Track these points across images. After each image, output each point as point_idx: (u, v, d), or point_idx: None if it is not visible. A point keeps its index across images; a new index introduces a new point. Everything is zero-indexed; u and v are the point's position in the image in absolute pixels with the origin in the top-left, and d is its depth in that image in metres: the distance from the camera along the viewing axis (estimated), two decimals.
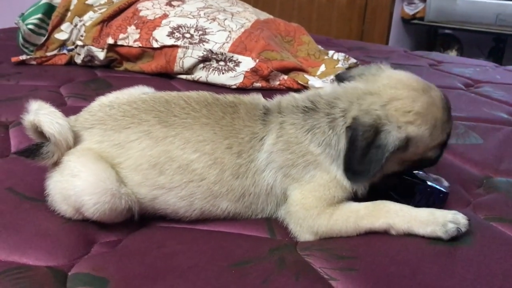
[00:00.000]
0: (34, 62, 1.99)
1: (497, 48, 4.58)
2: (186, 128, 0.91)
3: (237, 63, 1.78)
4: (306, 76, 1.78)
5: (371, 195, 0.95)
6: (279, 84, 1.78)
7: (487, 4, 4.31)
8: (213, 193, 0.90)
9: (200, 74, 1.82)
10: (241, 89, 1.74)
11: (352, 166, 0.89)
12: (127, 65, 1.95)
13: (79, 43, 1.96)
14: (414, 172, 1.03)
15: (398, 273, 0.79)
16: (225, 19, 1.92)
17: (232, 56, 1.79)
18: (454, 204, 1.02)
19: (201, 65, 1.82)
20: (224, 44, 1.81)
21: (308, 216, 0.90)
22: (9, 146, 1.22)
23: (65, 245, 0.82)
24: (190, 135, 0.90)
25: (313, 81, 1.75)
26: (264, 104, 0.99)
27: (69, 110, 1.04)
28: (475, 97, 1.90)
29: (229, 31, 1.86)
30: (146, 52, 1.88)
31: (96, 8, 2.05)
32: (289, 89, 1.71)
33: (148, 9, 1.98)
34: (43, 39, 2.02)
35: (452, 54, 4.66)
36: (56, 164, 0.89)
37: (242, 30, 1.88)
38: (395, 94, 0.91)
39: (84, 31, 1.97)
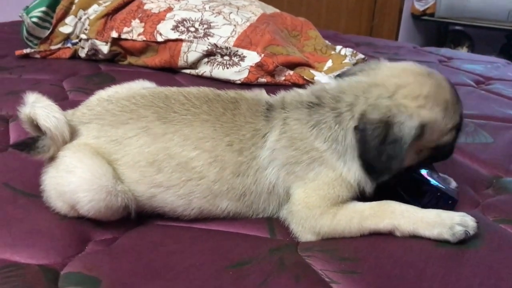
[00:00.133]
0: (38, 56, 1.97)
1: (509, 45, 4.51)
2: (186, 125, 0.88)
3: (242, 58, 1.75)
4: (312, 71, 1.75)
5: (379, 194, 0.92)
6: (285, 80, 1.75)
7: (499, 0, 4.24)
8: (213, 192, 0.88)
9: (205, 69, 1.80)
10: (246, 85, 1.71)
11: (371, 166, 0.86)
12: (131, 59, 1.93)
13: (83, 36, 1.94)
14: (428, 172, 1.00)
15: (402, 276, 0.76)
16: (231, 12, 1.89)
17: (237, 51, 1.76)
18: (462, 205, 0.98)
19: (206, 59, 1.79)
20: (229, 38, 1.78)
21: (311, 215, 0.87)
22: (8, 140, 1.20)
23: (59, 243, 0.80)
24: (190, 132, 0.88)
25: (319, 76, 1.71)
26: (267, 100, 0.96)
27: (71, 104, 1.02)
28: (485, 94, 1.86)
29: (234, 25, 1.83)
30: (150, 46, 1.86)
31: (100, 1, 2.03)
32: (294, 85, 1.68)
33: (152, 2, 1.95)
34: (47, 32, 2.00)
35: (463, 50, 4.59)
36: (52, 159, 0.87)
37: (248, 24, 1.84)
38: (401, 82, 0.89)
39: (88, 25, 1.95)
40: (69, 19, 2.01)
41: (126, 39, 1.87)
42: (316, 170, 0.89)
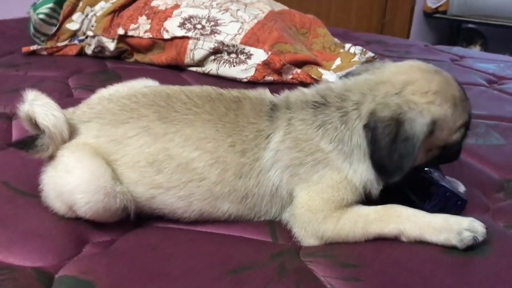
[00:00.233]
0: (44, 53, 1.97)
1: None
2: (187, 125, 0.86)
3: (249, 56, 1.72)
4: (320, 70, 1.72)
5: (385, 198, 0.89)
6: (292, 78, 1.72)
7: None
8: (214, 194, 0.85)
9: (211, 67, 1.77)
10: (252, 83, 1.69)
11: (383, 166, 0.84)
12: (137, 57, 1.91)
13: (90, 33, 1.93)
14: (435, 174, 0.98)
15: (407, 284, 0.74)
16: (238, 9, 1.87)
17: (244, 48, 1.74)
18: (471, 209, 0.95)
19: (212, 57, 1.77)
20: (236, 35, 1.75)
21: (314, 219, 0.85)
22: (10, 138, 1.19)
23: (56, 245, 0.78)
24: (191, 132, 0.86)
25: (327, 75, 1.69)
26: (271, 99, 0.94)
27: (75, 102, 1.00)
28: (498, 94, 1.82)
29: (242, 22, 1.80)
30: (156, 43, 1.84)
31: None
32: (302, 83, 1.65)
33: None
34: (54, 29, 1.99)
35: (476, 49, 4.52)
36: (52, 158, 0.85)
37: (255, 21, 1.82)
38: (408, 78, 0.88)
39: (95, 21, 1.94)
40: (76, 16, 2.00)
41: (132, 36, 1.86)
42: (320, 172, 0.87)
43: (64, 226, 0.82)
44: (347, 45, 2.02)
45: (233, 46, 1.74)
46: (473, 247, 0.81)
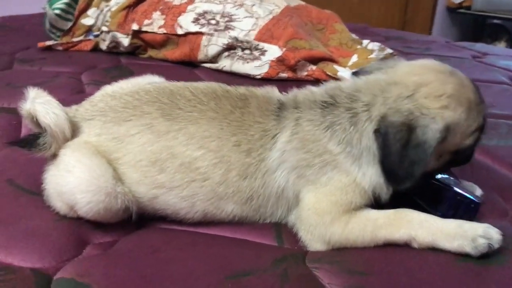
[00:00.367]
0: (60, 48, 1.97)
1: None
2: (191, 123, 0.84)
3: (263, 52, 1.69)
4: (336, 66, 1.67)
5: (394, 202, 0.85)
6: (307, 75, 1.69)
7: None
8: (218, 194, 0.83)
9: (224, 63, 1.75)
10: (266, 80, 1.66)
11: (393, 172, 0.80)
12: (151, 52, 1.90)
13: (104, 28, 1.93)
14: (445, 178, 0.93)
15: None
16: (253, 5, 1.83)
17: (258, 45, 1.70)
18: (489, 215, 0.91)
19: (226, 53, 1.74)
20: (250, 31, 1.72)
21: (321, 223, 0.82)
22: (19, 135, 1.18)
23: (56, 246, 0.77)
24: (195, 130, 0.83)
25: (343, 72, 1.64)
26: (279, 98, 0.91)
27: (87, 98, 0.97)
28: None
29: (256, 18, 1.77)
30: (170, 39, 1.82)
31: None
32: (317, 81, 1.61)
33: None
34: (70, 24, 1.99)
35: (501, 45, 4.40)
36: (55, 156, 0.84)
37: (270, 16, 1.79)
38: (421, 80, 0.84)
39: (110, 17, 1.93)
40: (91, 11, 1.99)
41: (146, 32, 1.84)
42: (328, 174, 0.83)
43: (66, 226, 0.81)
44: (365, 41, 1.97)
45: (247, 42, 1.71)
46: (488, 255, 0.77)
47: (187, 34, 1.78)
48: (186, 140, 0.83)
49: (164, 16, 1.84)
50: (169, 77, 1.20)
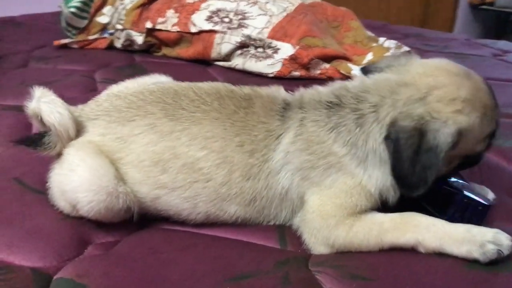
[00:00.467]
0: (75, 46, 1.99)
1: None
2: (194, 123, 0.83)
3: (276, 50, 1.68)
4: (350, 65, 1.65)
5: (402, 205, 0.83)
6: (320, 74, 1.67)
7: None
8: (220, 196, 0.82)
9: (237, 61, 1.74)
10: (279, 78, 1.64)
11: (405, 179, 0.78)
12: (165, 50, 1.90)
13: (119, 27, 1.93)
14: (453, 181, 0.91)
15: None
16: (267, 2, 1.82)
17: (271, 43, 1.69)
18: (500, 219, 0.88)
19: (239, 51, 1.74)
20: (263, 29, 1.71)
21: (325, 226, 0.80)
22: (30, 133, 1.19)
23: (58, 245, 0.77)
24: (198, 131, 0.83)
25: (357, 70, 1.62)
26: (284, 98, 0.89)
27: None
28: None
29: (270, 16, 1.75)
30: (184, 37, 1.82)
31: None
32: (330, 79, 1.59)
33: None
34: (85, 22, 2.00)
35: None
36: (61, 155, 0.84)
37: (284, 14, 1.77)
38: (435, 82, 0.80)
39: (124, 15, 1.93)
40: (107, 9, 2.01)
41: (160, 30, 1.84)
42: (333, 176, 0.82)
43: (69, 225, 0.81)
44: (381, 39, 1.94)
45: (260, 40, 1.70)
46: (497, 261, 0.75)
47: (200, 32, 1.77)
48: (189, 140, 0.82)
49: (177, 14, 1.84)
50: (182, 75, 1.19)
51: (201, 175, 0.82)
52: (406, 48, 1.91)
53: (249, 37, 1.70)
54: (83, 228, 0.81)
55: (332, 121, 0.83)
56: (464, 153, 0.84)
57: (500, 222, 0.86)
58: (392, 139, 0.78)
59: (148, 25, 1.85)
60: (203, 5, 1.83)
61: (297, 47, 1.66)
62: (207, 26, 1.76)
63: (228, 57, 1.76)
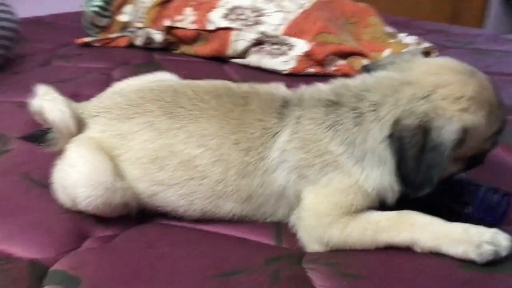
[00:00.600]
0: (97, 44, 2.02)
1: None
2: (192, 121, 0.84)
3: (291, 47, 1.68)
4: (365, 61, 1.63)
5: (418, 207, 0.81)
6: (335, 70, 1.65)
7: None
8: (216, 193, 0.83)
9: (253, 58, 1.74)
10: (293, 75, 1.64)
11: (410, 178, 0.77)
12: (183, 48, 1.92)
13: (139, 25, 1.96)
14: (464, 180, 0.90)
15: None
16: None
17: (286, 39, 1.69)
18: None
19: (255, 48, 1.74)
20: (278, 26, 1.71)
21: (319, 224, 0.80)
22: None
23: (57, 238, 0.80)
24: (195, 129, 0.84)
25: None
26: (284, 95, 0.89)
27: None
28: None
29: (286, 12, 1.75)
30: (201, 34, 1.84)
31: None
32: (346, 76, 1.58)
33: None
34: (107, 21, 2.05)
35: None
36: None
37: (300, 11, 1.76)
38: (439, 81, 0.79)
39: (144, 13, 1.96)
40: (128, 8, 2.04)
41: (178, 28, 1.86)
42: (329, 175, 0.81)
43: (69, 219, 0.84)
44: (401, 35, 1.91)
45: (275, 37, 1.70)
46: (496, 262, 0.73)
47: (217, 29, 1.79)
48: (186, 138, 0.83)
49: (195, 12, 1.85)
50: (198, 72, 1.21)
51: (197, 173, 0.83)
52: (426, 44, 1.87)
53: (264, 34, 1.70)
54: (83, 222, 0.83)
55: (329, 119, 0.83)
56: (471, 153, 0.82)
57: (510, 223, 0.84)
58: (396, 138, 0.77)
59: (167, 23, 1.87)
60: (220, 2, 1.84)
61: (312, 43, 1.65)
62: (224, 23, 1.77)
63: (243, 54, 1.77)
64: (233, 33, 1.75)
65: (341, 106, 0.83)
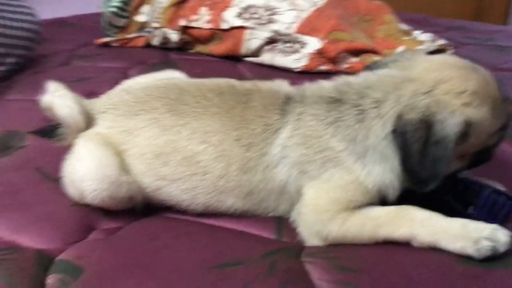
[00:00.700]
0: (116, 44, 2.07)
1: None
2: (195, 118, 0.86)
3: (303, 45, 1.68)
4: (377, 59, 1.62)
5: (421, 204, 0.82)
6: (348, 68, 1.65)
7: None
8: (218, 188, 0.85)
9: (266, 57, 1.76)
10: (305, 73, 1.65)
11: (415, 173, 0.78)
12: (199, 48, 1.95)
13: (155, 25, 2.00)
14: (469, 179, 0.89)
15: None
16: None
17: (298, 37, 1.70)
18: None
19: (268, 46, 1.75)
20: (291, 24, 1.72)
21: (319, 219, 0.81)
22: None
23: (65, 229, 0.83)
24: (198, 125, 0.86)
25: None
26: (287, 92, 0.91)
27: None
28: None
29: (299, 10, 1.76)
30: (216, 34, 1.86)
31: None
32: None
33: None
34: (125, 21, 2.09)
35: None
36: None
37: (313, 9, 1.77)
38: (441, 77, 0.79)
39: (160, 13, 2.00)
40: (145, 8, 2.08)
41: (193, 27, 1.89)
42: (330, 171, 0.82)
43: (77, 212, 0.87)
44: (416, 32, 1.90)
45: (288, 35, 1.71)
46: (493, 258, 0.73)
47: (231, 28, 1.81)
48: (189, 134, 0.85)
49: (210, 12, 1.88)
50: (212, 71, 1.23)
51: (199, 168, 0.85)
52: (442, 41, 1.86)
53: (277, 32, 1.72)
54: (90, 215, 0.86)
55: (331, 116, 0.84)
56: (476, 149, 0.82)
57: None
58: (399, 133, 0.78)
59: (182, 22, 1.90)
60: (235, 1, 1.86)
61: (325, 41, 1.66)
62: (237, 22, 1.79)
63: (257, 52, 1.78)
64: (246, 32, 1.77)
65: (343, 103, 0.84)
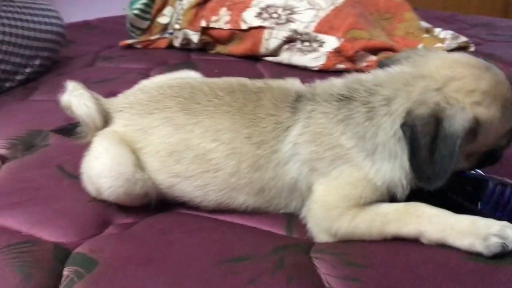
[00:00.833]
0: (139, 46, 2.11)
1: None
2: (207, 116, 0.89)
3: (321, 44, 1.69)
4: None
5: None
6: (366, 66, 1.65)
7: None
8: (229, 185, 0.87)
9: (284, 56, 1.77)
10: (323, 72, 1.65)
11: (423, 170, 0.78)
12: (219, 48, 1.97)
13: (177, 26, 2.04)
14: (473, 174, 0.89)
15: None
16: None
17: (316, 36, 1.71)
18: None
19: (286, 46, 1.77)
20: (309, 23, 1.73)
21: (328, 216, 0.82)
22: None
23: (82, 224, 0.86)
24: (210, 124, 0.88)
25: None
26: (298, 90, 0.92)
27: None
28: None
29: (318, 9, 1.77)
30: (235, 34, 1.88)
31: None
32: None
33: None
34: (148, 23, 2.13)
35: None
36: None
37: (332, 8, 1.77)
38: (453, 74, 0.79)
39: (182, 15, 2.03)
40: (167, 10, 2.12)
41: (213, 28, 1.92)
42: (339, 168, 0.83)
43: (94, 207, 0.90)
44: (437, 30, 1.88)
45: (306, 34, 1.72)
46: (503, 255, 0.73)
47: (250, 28, 1.83)
48: (202, 133, 0.87)
49: (230, 12, 1.90)
50: (232, 71, 1.25)
51: (211, 166, 0.87)
52: (463, 39, 1.83)
53: (295, 31, 1.73)
54: (107, 210, 0.90)
55: (341, 113, 0.84)
56: (484, 149, 0.82)
57: None
58: (408, 127, 0.78)
59: (203, 23, 1.93)
60: (254, 2, 1.88)
61: (342, 39, 1.66)
62: (256, 22, 1.81)
63: (276, 52, 1.80)
64: (265, 31, 1.79)
65: (353, 100, 0.85)
